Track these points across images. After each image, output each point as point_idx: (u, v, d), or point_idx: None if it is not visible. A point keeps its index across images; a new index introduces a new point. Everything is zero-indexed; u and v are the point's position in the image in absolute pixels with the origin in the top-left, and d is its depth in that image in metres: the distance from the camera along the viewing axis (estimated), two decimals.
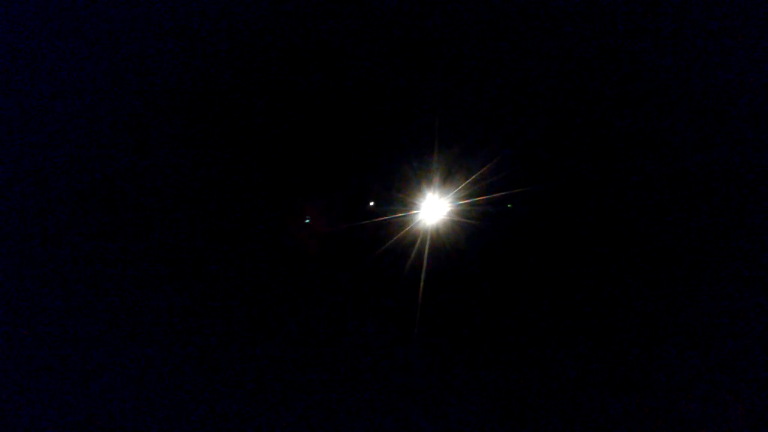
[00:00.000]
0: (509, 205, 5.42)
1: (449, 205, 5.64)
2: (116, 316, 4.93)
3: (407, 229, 5.68)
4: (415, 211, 5.66)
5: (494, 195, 5.50)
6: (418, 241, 5.66)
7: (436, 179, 5.57)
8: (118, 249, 4.92)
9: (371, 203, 5.70)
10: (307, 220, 5.70)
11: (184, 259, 5.09)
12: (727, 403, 4.81)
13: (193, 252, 5.14)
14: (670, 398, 4.91)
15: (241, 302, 5.30)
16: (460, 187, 5.56)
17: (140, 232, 4.97)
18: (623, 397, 5.00)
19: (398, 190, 5.65)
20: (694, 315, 5.02)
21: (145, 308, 4.98)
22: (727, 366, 4.90)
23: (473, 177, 5.49)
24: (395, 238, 5.68)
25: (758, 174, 4.83)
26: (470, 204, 5.57)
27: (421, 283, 5.53)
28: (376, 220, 5.70)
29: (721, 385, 4.87)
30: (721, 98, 4.81)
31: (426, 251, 5.60)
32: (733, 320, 4.92)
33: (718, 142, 4.91)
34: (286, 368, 5.29)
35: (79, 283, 4.85)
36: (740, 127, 4.83)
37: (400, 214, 5.65)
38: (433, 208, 5.67)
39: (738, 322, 4.91)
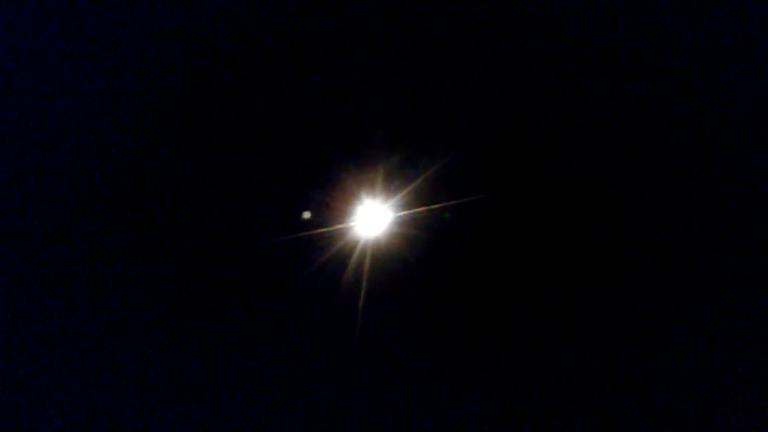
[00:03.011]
0: (446, 214, 5.03)
1: (391, 214, 5.17)
2: (116, 316, 4.95)
3: (342, 243, 5.09)
4: (351, 223, 5.12)
5: (442, 204, 5.06)
6: (356, 257, 5.08)
7: (377, 185, 5.09)
8: (118, 249, 4.95)
9: (304, 213, 5.12)
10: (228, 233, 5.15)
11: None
12: (727, 403, 4.82)
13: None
14: (670, 398, 4.91)
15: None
16: (403, 194, 5.09)
17: (140, 232, 5.00)
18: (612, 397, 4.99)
19: (332, 198, 5.10)
20: (693, 315, 5.00)
21: (145, 308, 5.00)
22: (727, 366, 4.90)
23: (418, 181, 5.03)
24: (328, 254, 5.08)
25: (758, 174, 4.84)
26: (416, 213, 5.11)
27: (361, 302, 5.06)
28: (307, 233, 5.07)
29: (721, 385, 4.87)
30: (720, 98, 4.83)
31: (366, 267, 5.07)
32: (733, 320, 4.93)
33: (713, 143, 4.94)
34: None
35: (79, 283, 4.88)
36: (740, 127, 4.86)
37: (333, 227, 5.07)
38: (373, 219, 5.19)
39: (738, 322, 4.92)
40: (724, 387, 4.86)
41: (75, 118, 4.89)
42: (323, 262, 5.03)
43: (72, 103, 4.87)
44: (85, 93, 4.88)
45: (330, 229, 5.02)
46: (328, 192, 5.06)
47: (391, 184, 5.07)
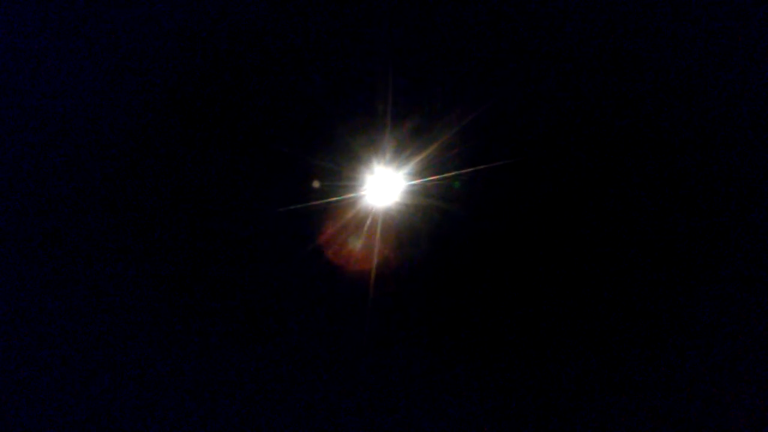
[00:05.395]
0: (456, 184, 4.88)
1: (404, 183, 5.01)
2: (116, 316, 4.97)
3: (352, 214, 4.98)
4: (361, 192, 4.99)
5: (457, 172, 4.89)
6: (366, 229, 4.99)
7: (388, 152, 4.91)
8: (118, 249, 4.97)
9: (314, 183, 4.97)
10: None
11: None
12: (727, 403, 4.86)
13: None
14: (670, 398, 4.95)
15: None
16: (416, 161, 4.91)
17: (140, 232, 5.00)
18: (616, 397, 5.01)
19: (341, 166, 4.93)
20: (693, 315, 5.01)
21: (145, 308, 5.02)
22: (727, 366, 4.93)
23: (432, 149, 4.85)
24: (337, 225, 4.98)
25: (758, 174, 4.85)
26: (429, 182, 4.95)
27: (372, 279, 4.98)
28: (316, 203, 4.94)
29: (721, 385, 4.90)
30: (721, 98, 4.80)
31: (377, 240, 4.99)
32: (733, 320, 4.94)
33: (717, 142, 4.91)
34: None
35: (79, 283, 4.91)
36: (740, 127, 4.84)
37: (342, 196, 4.94)
38: (384, 188, 5.04)
39: (738, 322, 4.93)
40: (724, 387, 4.87)
41: (75, 118, 4.83)
42: (334, 231, 4.94)
43: (72, 103, 4.81)
44: (85, 93, 4.82)
45: (341, 198, 4.91)
46: (339, 160, 4.93)
47: (403, 152, 4.92)
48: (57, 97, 4.79)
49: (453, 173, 4.91)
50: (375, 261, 4.93)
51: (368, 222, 4.94)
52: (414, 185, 4.97)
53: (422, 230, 5.03)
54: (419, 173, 4.94)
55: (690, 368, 4.94)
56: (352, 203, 4.94)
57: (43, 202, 4.82)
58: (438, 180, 4.92)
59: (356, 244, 4.94)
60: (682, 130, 4.89)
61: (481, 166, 4.93)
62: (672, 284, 5.01)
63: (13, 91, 4.74)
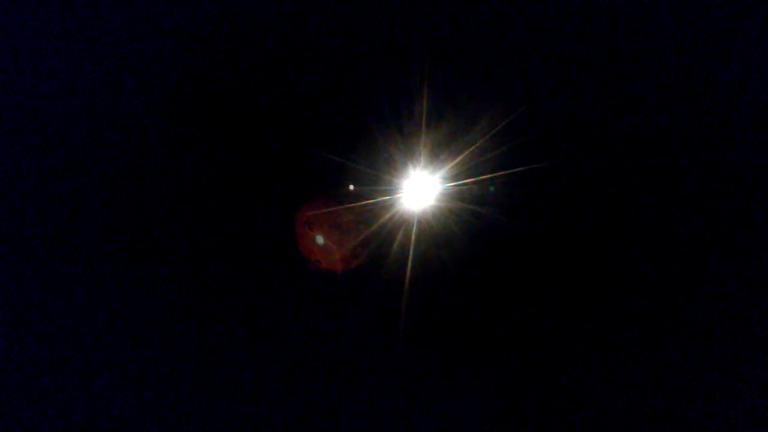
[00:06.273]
0: (491, 188, 4.87)
1: (439, 186, 5.00)
2: (116, 316, 4.97)
3: (389, 216, 5.02)
4: (398, 194, 5.01)
5: (492, 175, 4.89)
6: (402, 231, 5.00)
7: (424, 155, 4.93)
8: (118, 249, 4.97)
9: (350, 185, 5.06)
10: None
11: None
12: (727, 403, 4.80)
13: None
14: (670, 398, 4.89)
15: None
16: (452, 164, 4.92)
17: (140, 232, 5.01)
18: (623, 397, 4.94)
19: (378, 169, 4.99)
20: (694, 315, 4.94)
21: (145, 308, 5.02)
22: (727, 366, 4.87)
23: (468, 152, 4.86)
24: (374, 227, 5.02)
25: (758, 174, 4.81)
26: (464, 185, 4.95)
27: (407, 280, 4.98)
28: (352, 205, 5.03)
29: (721, 385, 4.85)
30: (721, 98, 4.79)
31: (412, 243, 4.98)
32: (733, 320, 4.89)
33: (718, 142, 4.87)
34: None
35: (79, 283, 4.91)
36: (740, 127, 4.80)
37: (379, 198, 4.99)
38: (420, 191, 5.03)
39: (738, 322, 4.89)
40: (724, 387, 4.79)
41: (75, 118, 4.85)
42: (370, 233, 4.99)
43: (72, 103, 4.83)
44: (85, 93, 4.84)
45: (377, 200, 4.96)
46: (375, 164, 4.99)
47: (438, 156, 4.94)
48: (57, 97, 4.79)
49: (488, 176, 4.90)
50: (410, 263, 4.96)
51: (404, 224, 4.96)
52: (449, 188, 4.99)
53: (457, 233, 5.02)
54: (454, 176, 4.95)
55: (690, 368, 4.86)
56: (388, 206, 4.98)
57: (43, 202, 4.82)
58: (473, 183, 4.92)
59: (392, 246, 4.98)
60: (688, 130, 4.85)
61: (516, 169, 4.90)
62: (672, 284, 4.94)
63: (13, 91, 4.75)
